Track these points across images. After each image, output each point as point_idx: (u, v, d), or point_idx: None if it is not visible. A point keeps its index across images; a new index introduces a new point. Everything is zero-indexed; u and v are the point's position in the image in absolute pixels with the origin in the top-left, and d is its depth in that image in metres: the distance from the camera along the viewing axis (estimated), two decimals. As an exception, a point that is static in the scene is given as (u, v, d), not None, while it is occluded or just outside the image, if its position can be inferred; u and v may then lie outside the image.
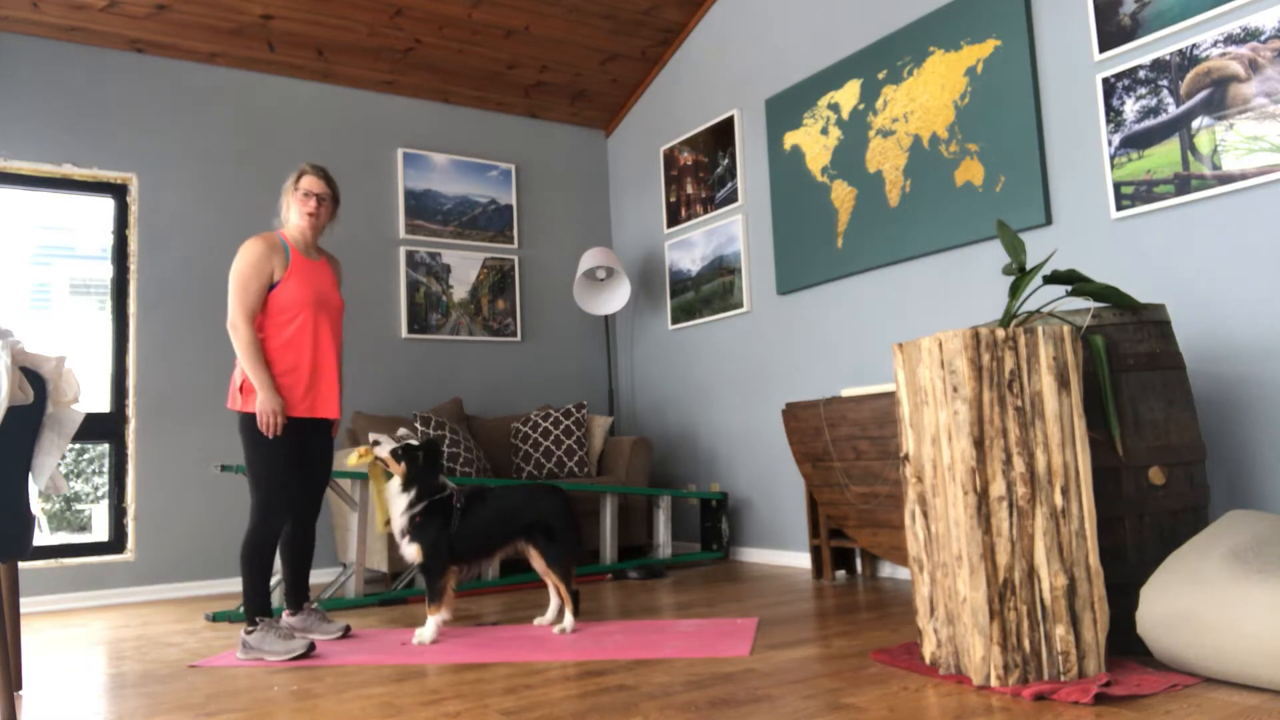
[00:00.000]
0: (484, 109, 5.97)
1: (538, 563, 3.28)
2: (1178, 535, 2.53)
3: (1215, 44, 3.09)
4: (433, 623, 3.14)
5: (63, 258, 4.84)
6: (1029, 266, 3.52)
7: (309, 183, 3.28)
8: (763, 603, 3.64)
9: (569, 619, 3.22)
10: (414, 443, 3.25)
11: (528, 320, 5.96)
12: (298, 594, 3.29)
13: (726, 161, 5.26)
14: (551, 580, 3.27)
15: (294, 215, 3.28)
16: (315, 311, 3.20)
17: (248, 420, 3.09)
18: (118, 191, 4.85)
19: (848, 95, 4.47)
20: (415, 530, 3.17)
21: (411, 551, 3.18)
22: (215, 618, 3.85)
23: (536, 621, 3.38)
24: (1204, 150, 3.11)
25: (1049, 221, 3.60)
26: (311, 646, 2.95)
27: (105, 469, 4.73)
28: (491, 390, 5.75)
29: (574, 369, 6.08)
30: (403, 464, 3.20)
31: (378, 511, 3.40)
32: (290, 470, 3.12)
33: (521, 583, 4.42)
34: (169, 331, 4.85)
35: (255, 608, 3.02)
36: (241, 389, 3.12)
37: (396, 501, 3.20)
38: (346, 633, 3.26)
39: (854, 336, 4.44)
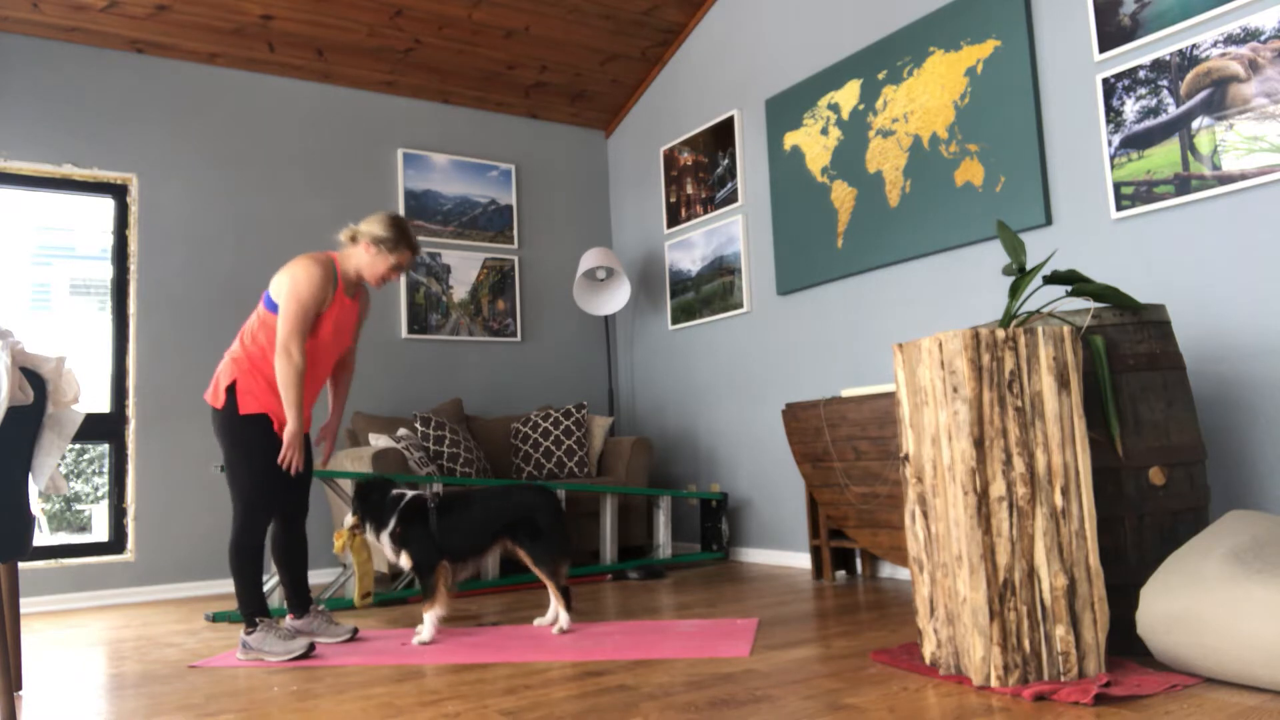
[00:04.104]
0: (484, 109, 5.97)
1: (526, 561, 3.33)
2: (1178, 535, 2.53)
3: (1215, 44, 3.09)
4: (430, 620, 3.17)
5: (63, 258, 4.84)
6: (1029, 267, 3.52)
7: (408, 261, 3.24)
8: (763, 603, 3.64)
9: (563, 618, 3.23)
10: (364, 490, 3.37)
11: (528, 320, 5.96)
12: (300, 598, 3.26)
13: (726, 162, 5.26)
14: (541, 578, 3.31)
15: (367, 267, 3.20)
16: (327, 349, 3.20)
17: (229, 419, 3.03)
18: (118, 191, 4.85)
19: (848, 95, 4.47)
20: (398, 540, 3.27)
21: (403, 558, 3.28)
22: (215, 618, 3.85)
23: (536, 622, 3.39)
24: (1204, 150, 3.11)
25: (1049, 221, 3.60)
26: (311, 647, 2.95)
27: (105, 469, 4.73)
28: (491, 390, 5.75)
29: (574, 369, 6.08)
30: (358, 513, 3.32)
31: (357, 582, 3.65)
32: (271, 468, 3.08)
33: (521, 583, 4.42)
34: (169, 331, 4.85)
35: (252, 609, 3.01)
36: (231, 389, 3.05)
37: (382, 540, 3.33)
38: (354, 635, 3.24)
39: (854, 336, 4.44)
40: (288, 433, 3.01)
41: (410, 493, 3.38)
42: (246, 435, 3.04)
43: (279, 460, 3.04)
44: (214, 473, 4.81)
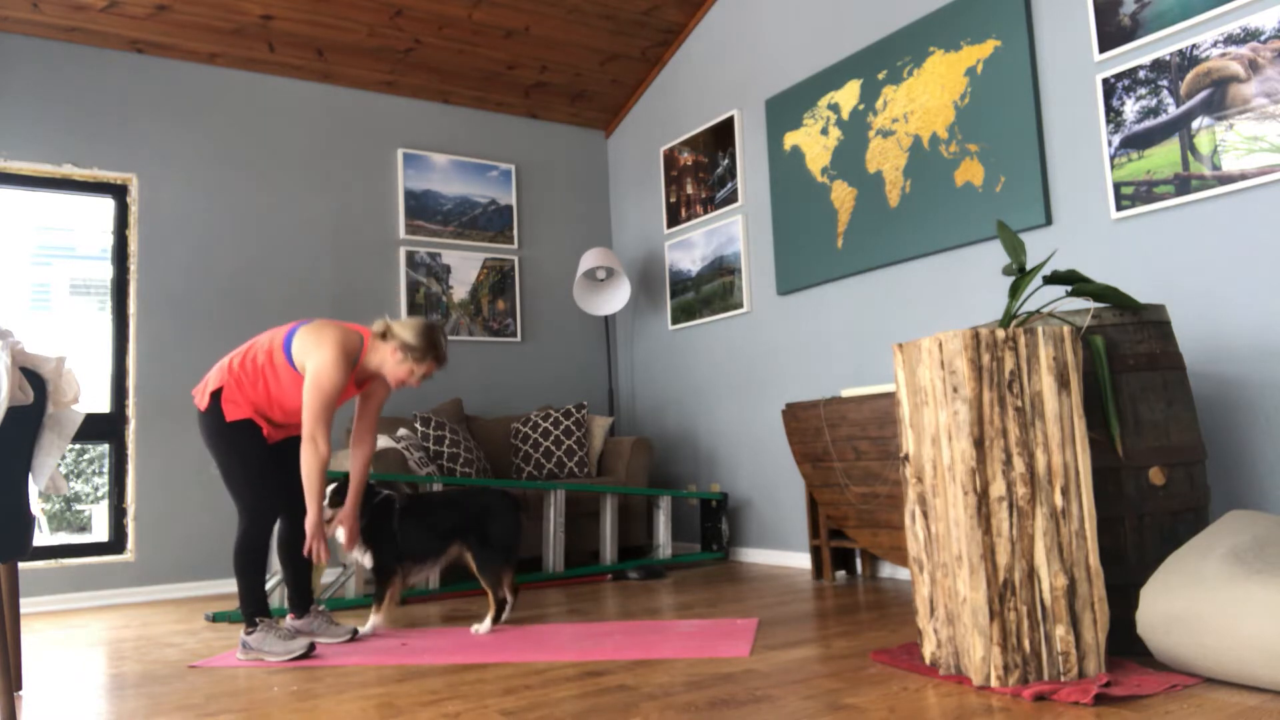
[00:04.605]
0: (484, 109, 5.97)
1: (471, 567, 3.37)
2: (1178, 535, 2.53)
3: (1215, 44, 3.09)
4: (371, 623, 3.32)
5: (63, 258, 4.84)
6: (1029, 267, 3.52)
7: (432, 370, 3.18)
8: (763, 603, 3.64)
9: (485, 625, 3.27)
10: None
11: (528, 320, 5.96)
12: (301, 597, 3.26)
13: (726, 162, 5.26)
14: (483, 585, 3.35)
15: (390, 369, 3.14)
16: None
17: (216, 426, 3.03)
18: (118, 191, 4.85)
19: (848, 95, 4.47)
20: (364, 539, 3.36)
21: (366, 558, 3.37)
22: (215, 618, 3.85)
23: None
24: (1204, 150, 3.11)
25: (1049, 222, 3.60)
26: (311, 647, 2.95)
27: (105, 469, 4.73)
28: (491, 390, 5.75)
29: (574, 369, 6.08)
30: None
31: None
32: (266, 470, 3.09)
33: (521, 583, 4.42)
34: (169, 331, 4.85)
35: (253, 609, 3.01)
36: (217, 395, 3.05)
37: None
38: (354, 636, 3.25)
39: (854, 336, 4.44)
40: (309, 523, 3.03)
41: (384, 492, 3.41)
42: (236, 441, 3.04)
43: (303, 552, 3.10)
44: (213, 474, 4.80)
